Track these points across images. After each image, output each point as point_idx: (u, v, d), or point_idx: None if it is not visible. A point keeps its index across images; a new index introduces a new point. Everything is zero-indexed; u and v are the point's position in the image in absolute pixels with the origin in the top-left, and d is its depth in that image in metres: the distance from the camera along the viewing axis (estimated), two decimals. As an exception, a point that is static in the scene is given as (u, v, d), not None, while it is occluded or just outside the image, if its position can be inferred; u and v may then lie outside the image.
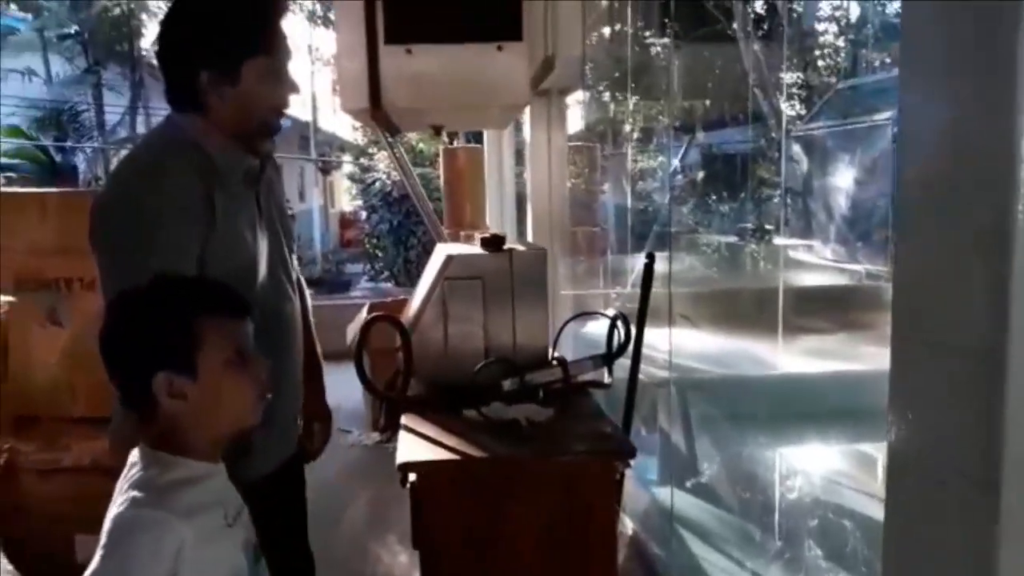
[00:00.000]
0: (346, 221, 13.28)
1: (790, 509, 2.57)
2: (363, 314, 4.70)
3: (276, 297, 1.57)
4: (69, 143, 11.70)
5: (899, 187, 0.65)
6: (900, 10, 0.70)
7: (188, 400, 1.06)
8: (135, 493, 1.03)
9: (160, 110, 12.63)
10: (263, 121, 1.53)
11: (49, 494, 1.99)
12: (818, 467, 2.99)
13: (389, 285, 9.65)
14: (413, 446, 1.59)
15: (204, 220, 1.40)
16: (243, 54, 1.45)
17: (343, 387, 5.62)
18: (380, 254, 9.91)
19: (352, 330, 4.52)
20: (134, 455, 1.10)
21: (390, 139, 2.94)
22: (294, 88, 1.57)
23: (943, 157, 0.62)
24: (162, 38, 1.48)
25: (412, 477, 1.51)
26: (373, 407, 4.59)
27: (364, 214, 10.20)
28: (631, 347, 1.94)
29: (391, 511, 3.36)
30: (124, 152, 12.67)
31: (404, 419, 1.74)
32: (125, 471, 1.09)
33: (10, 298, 1.66)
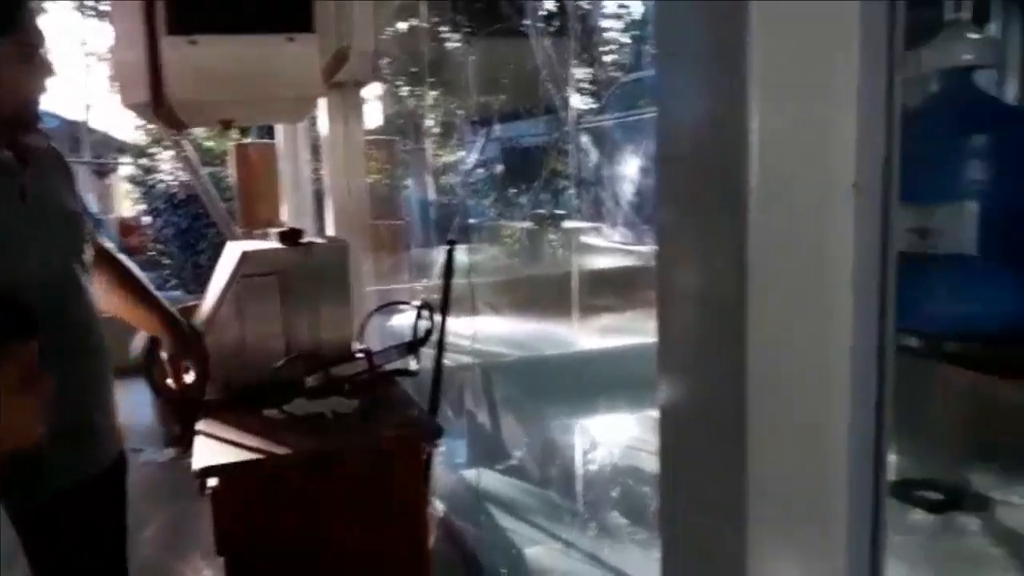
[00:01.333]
0: (127, 227, 12.29)
1: (592, 476, 2.72)
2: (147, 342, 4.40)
3: (60, 298, 1.44)
4: None
5: (658, 162, 0.72)
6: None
7: None
8: None
9: None
10: (14, 110, 1.40)
11: None
12: (616, 435, 3.18)
13: (178, 293, 9.08)
14: (211, 450, 1.53)
15: None
16: None
17: (130, 403, 5.24)
18: (167, 261, 9.30)
19: (138, 342, 4.22)
20: None
21: (176, 136, 2.77)
22: (48, 71, 1.45)
23: (691, 137, 0.70)
24: None
25: (212, 482, 1.45)
26: (166, 422, 4.31)
27: (148, 219, 9.52)
28: (436, 334, 1.97)
29: (192, 527, 3.18)
30: None
31: (200, 425, 1.66)
32: None
33: None
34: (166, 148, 8.20)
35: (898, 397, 1.46)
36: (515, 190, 9.74)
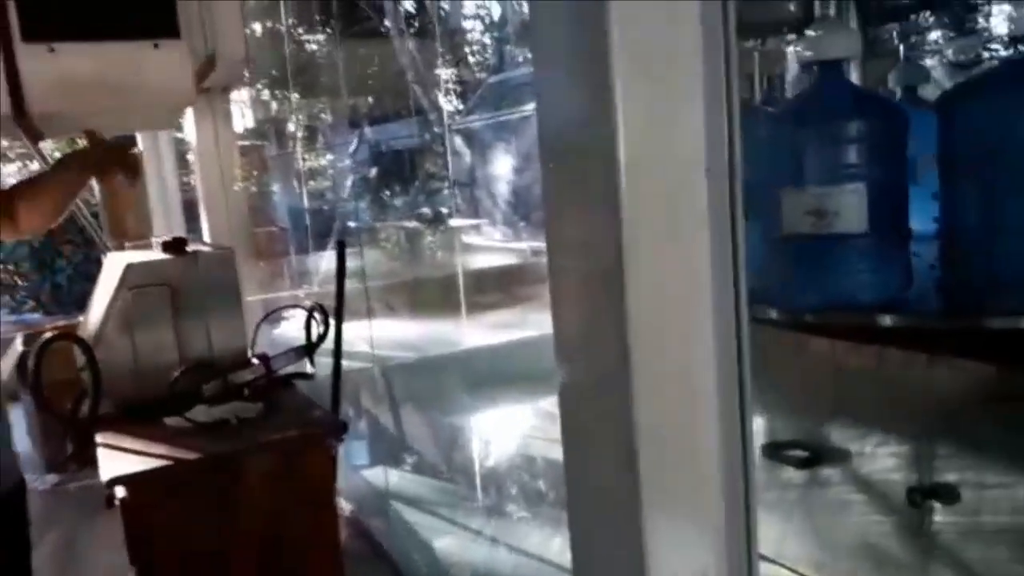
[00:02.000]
0: (-31, 252, 11.41)
1: (491, 467, 2.82)
2: (18, 346, 4.19)
3: None
4: None
5: (541, 152, 0.82)
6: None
7: None
8: None
9: None
10: None
11: None
12: (511, 426, 3.30)
13: (36, 316, 8.53)
14: (116, 461, 1.52)
15: None
16: None
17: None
18: (20, 282, 8.72)
19: (5, 367, 4.01)
20: None
21: (35, 147, 2.67)
22: None
23: (567, 135, 0.80)
24: None
25: (121, 492, 1.46)
26: (44, 447, 4.11)
27: (-6, 238, 8.90)
28: (331, 334, 2.01)
29: (87, 552, 3.07)
30: None
31: (100, 438, 1.64)
32: None
33: None
34: (8, 162, 7.69)
35: (768, 366, 1.66)
36: (389, 193, 9.73)
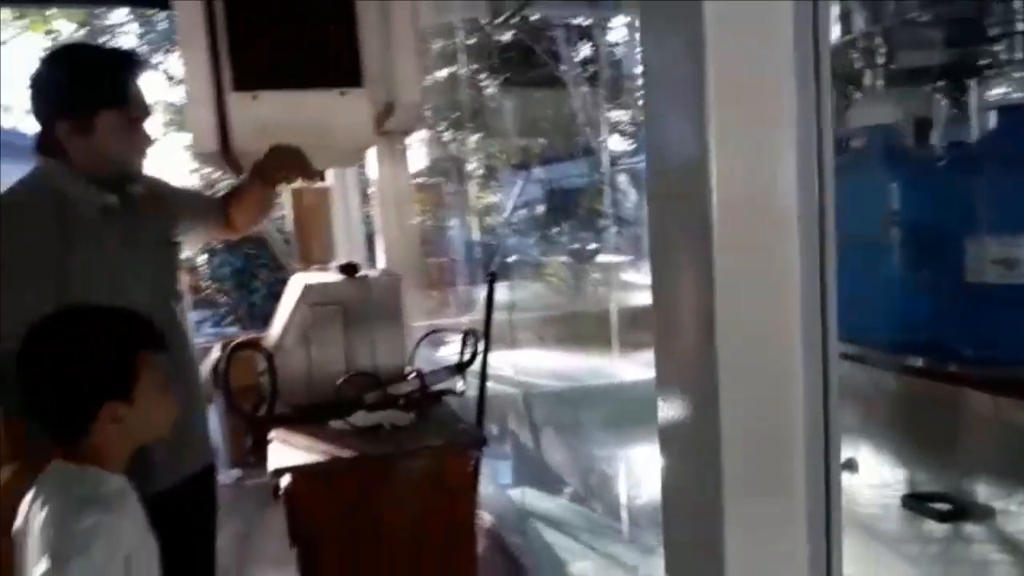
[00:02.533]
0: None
1: (634, 495, 2.86)
2: (216, 353, 4.68)
3: (163, 317, 1.67)
4: None
5: (648, 192, 0.91)
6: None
7: (123, 423, 1.17)
8: (82, 504, 1.12)
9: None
10: (118, 167, 1.66)
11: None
12: (657, 459, 3.32)
13: (234, 330, 9.41)
14: (284, 454, 1.74)
15: (56, 256, 1.53)
16: (96, 106, 1.59)
17: (198, 429, 5.41)
18: (223, 299, 9.67)
19: (203, 371, 4.51)
20: (52, 474, 1.19)
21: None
22: (148, 142, 1.72)
23: (669, 180, 0.89)
24: (30, 88, 1.62)
25: (285, 481, 1.66)
26: (232, 444, 4.57)
27: (202, 258, 9.93)
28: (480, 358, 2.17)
29: (258, 542, 3.41)
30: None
31: (273, 434, 1.88)
32: (38, 493, 1.18)
33: None
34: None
35: (916, 416, 1.64)
36: (556, 230, 9.99)
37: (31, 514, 1.17)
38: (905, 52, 1.96)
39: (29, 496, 1.20)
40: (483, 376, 2.12)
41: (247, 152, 2.53)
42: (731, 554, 0.84)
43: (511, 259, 5.31)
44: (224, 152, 2.52)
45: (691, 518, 0.93)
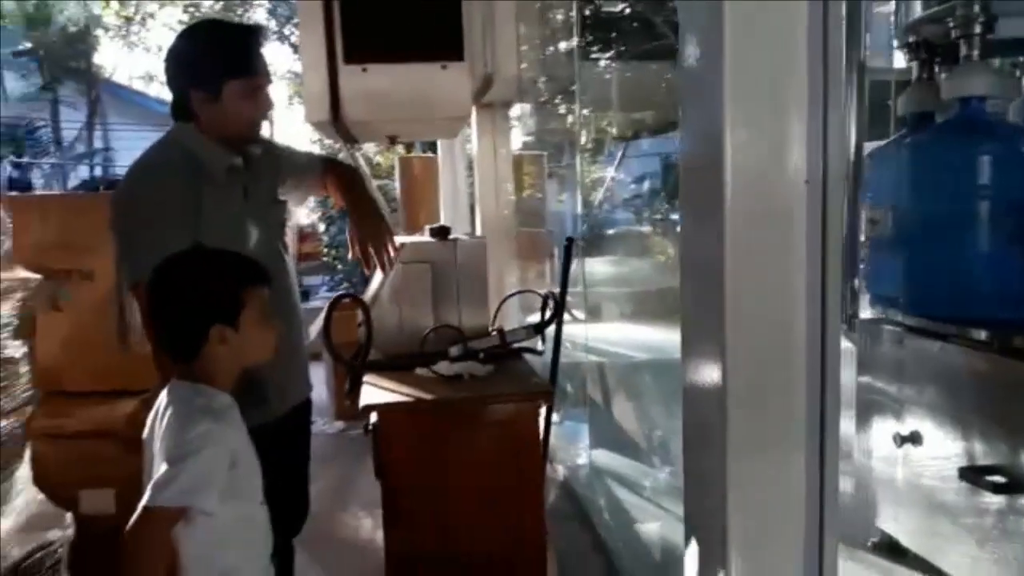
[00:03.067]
0: (303, 234, 13.41)
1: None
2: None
3: (271, 263, 1.89)
4: (26, 159, 11.75)
5: (681, 171, 1.02)
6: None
7: (230, 345, 1.38)
8: (198, 413, 1.33)
9: (117, 125, 12.75)
10: (242, 131, 1.88)
11: (56, 456, 2.28)
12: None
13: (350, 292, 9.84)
14: (375, 395, 1.94)
15: (191, 206, 1.77)
16: (224, 76, 1.80)
17: (308, 383, 5.79)
18: (339, 265, 10.11)
19: (314, 329, 4.84)
20: (171, 391, 1.41)
21: (350, 149, 3.27)
22: (270, 105, 1.93)
23: (694, 151, 0.99)
24: (166, 62, 1.87)
25: (373, 418, 1.86)
26: (336, 398, 4.91)
27: (322, 226, 10.40)
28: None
29: (355, 486, 3.70)
30: (83, 167, 12.71)
31: (366, 378, 2.08)
32: (161, 407, 1.40)
33: (38, 276, 1.95)
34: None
35: (974, 388, 1.69)
36: (666, 205, 9.90)
37: (155, 424, 1.40)
38: (1005, 20, 1.93)
39: (154, 410, 1.42)
40: (558, 336, 2.25)
41: (356, 122, 2.74)
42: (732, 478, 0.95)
43: (611, 232, 5.37)
44: (334, 121, 2.73)
45: (705, 449, 1.03)
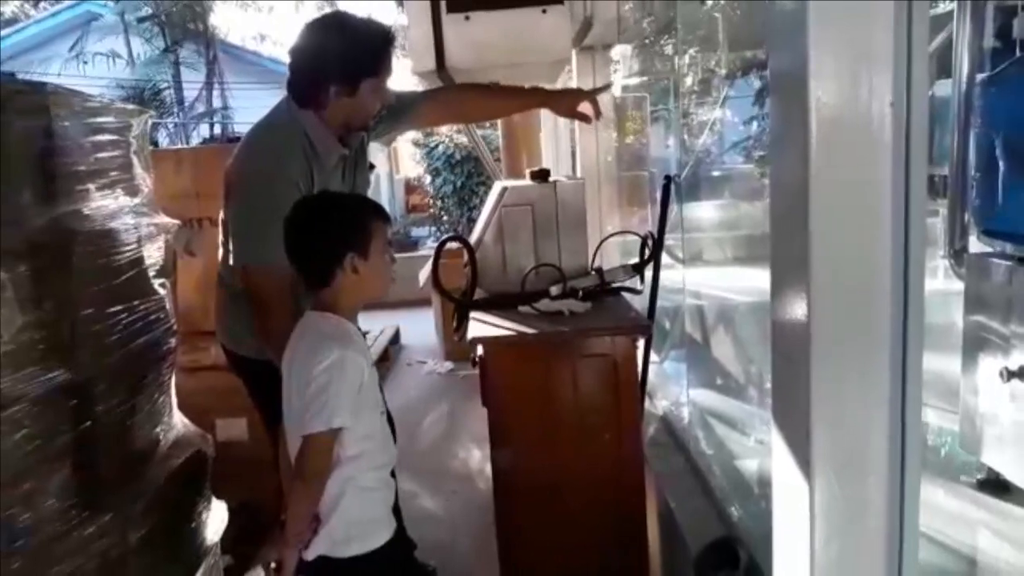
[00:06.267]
0: (411, 187, 13.72)
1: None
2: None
3: None
4: (153, 119, 12.43)
5: (771, 106, 1.05)
6: None
7: (359, 274, 1.51)
8: (328, 340, 1.47)
9: (234, 85, 13.30)
10: (365, 120, 2.00)
11: (194, 387, 2.52)
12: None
13: (455, 245, 10.08)
14: (480, 329, 2.05)
15: (307, 188, 1.88)
16: (364, 75, 1.90)
17: (418, 328, 6.25)
18: (445, 216, 10.33)
19: (423, 275, 5.03)
20: (304, 321, 1.56)
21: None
22: (390, 98, 2.03)
23: (784, 81, 1.02)
24: (301, 53, 1.93)
25: (480, 351, 1.97)
26: (446, 340, 5.11)
27: (428, 179, 10.62)
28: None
29: (463, 420, 3.90)
30: (203, 125, 13.35)
31: (473, 315, 2.20)
32: (304, 330, 1.55)
33: (177, 221, 2.14)
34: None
35: None
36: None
37: (294, 348, 1.55)
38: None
39: (293, 336, 1.58)
40: (656, 275, 2.30)
41: (460, 69, 2.82)
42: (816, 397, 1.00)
43: (716, 174, 5.27)
44: (440, 71, 2.82)
45: (792, 382, 1.08)
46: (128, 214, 1.82)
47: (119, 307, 1.62)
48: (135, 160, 1.93)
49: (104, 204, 1.69)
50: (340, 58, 1.89)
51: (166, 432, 1.86)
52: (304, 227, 1.54)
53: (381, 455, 1.57)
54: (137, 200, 1.92)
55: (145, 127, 2.02)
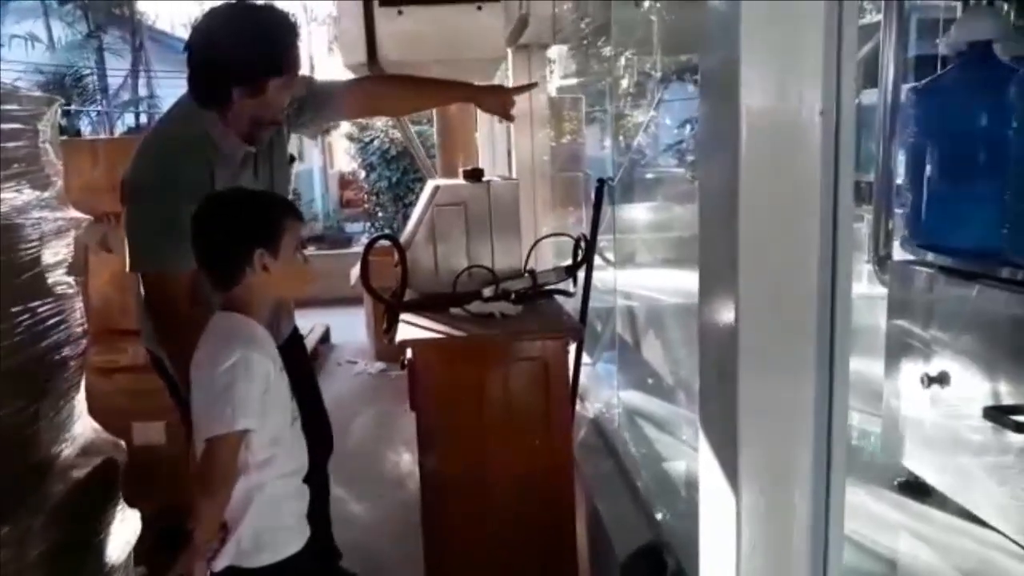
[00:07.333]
0: (345, 181, 13.52)
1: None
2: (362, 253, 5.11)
3: None
4: (74, 107, 11.95)
5: (700, 101, 1.03)
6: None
7: (270, 272, 1.45)
8: (232, 340, 1.41)
9: (161, 73, 12.89)
10: (275, 117, 1.89)
11: (110, 389, 2.41)
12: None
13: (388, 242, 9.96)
14: (410, 331, 2.00)
15: (207, 191, 1.73)
16: (269, 75, 1.79)
17: (349, 327, 6.12)
18: (380, 212, 10.20)
19: (354, 273, 4.95)
20: (213, 322, 1.49)
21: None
22: (300, 90, 1.96)
23: (711, 83, 1.01)
24: (199, 52, 1.80)
25: (409, 353, 1.92)
26: (377, 340, 5.03)
27: (363, 174, 10.47)
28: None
29: (393, 422, 3.83)
30: (128, 114, 12.87)
31: (403, 316, 2.14)
32: (209, 331, 1.48)
33: (88, 216, 2.03)
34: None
35: (1001, 327, 1.68)
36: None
37: (200, 350, 1.48)
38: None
39: (200, 339, 1.50)
40: (588, 277, 2.29)
41: (392, 63, 2.77)
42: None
43: (648, 176, 5.32)
44: (371, 64, 2.76)
45: (719, 385, 1.07)
46: (34, 208, 1.72)
47: (19, 308, 1.52)
48: (44, 151, 1.82)
49: (7, 198, 1.59)
50: (242, 59, 1.76)
51: (73, 439, 1.76)
52: (211, 223, 1.47)
53: (290, 462, 1.51)
54: (46, 194, 1.81)
55: (56, 116, 1.91)
